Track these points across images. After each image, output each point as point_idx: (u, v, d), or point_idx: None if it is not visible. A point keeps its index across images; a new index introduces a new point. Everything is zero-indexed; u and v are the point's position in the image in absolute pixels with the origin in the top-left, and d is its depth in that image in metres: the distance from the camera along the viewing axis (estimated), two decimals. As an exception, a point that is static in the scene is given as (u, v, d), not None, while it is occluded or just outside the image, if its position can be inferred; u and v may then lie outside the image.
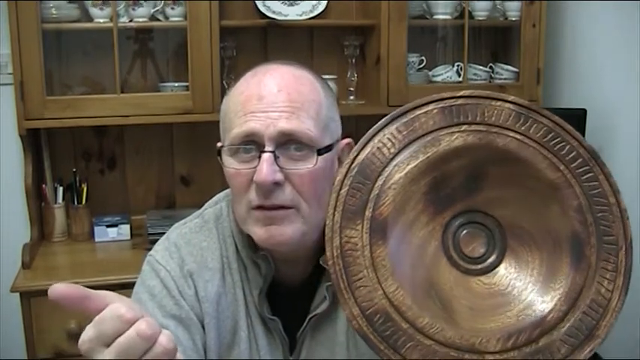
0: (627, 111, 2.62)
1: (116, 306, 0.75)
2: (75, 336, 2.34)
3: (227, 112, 1.16)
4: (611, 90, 2.71)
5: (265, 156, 1.08)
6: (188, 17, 2.59)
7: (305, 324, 1.19)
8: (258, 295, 1.19)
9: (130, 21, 2.62)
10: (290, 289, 1.21)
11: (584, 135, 2.60)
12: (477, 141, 0.87)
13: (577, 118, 2.62)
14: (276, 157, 1.09)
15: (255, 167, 1.09)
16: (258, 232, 1.13)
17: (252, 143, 1.10)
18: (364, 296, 0.85)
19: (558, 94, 3.01)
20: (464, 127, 0.88)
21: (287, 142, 1.10)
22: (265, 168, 1.07)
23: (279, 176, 1.09)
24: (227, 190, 1.29)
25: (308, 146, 1.10)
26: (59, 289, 0.76)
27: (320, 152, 1.11)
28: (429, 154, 0.87)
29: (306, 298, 1.19)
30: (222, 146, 1.16)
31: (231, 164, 1.13)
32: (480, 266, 0.90)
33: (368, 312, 0.85)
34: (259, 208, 1.11)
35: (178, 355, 1.12)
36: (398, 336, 0.85)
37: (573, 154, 0.88)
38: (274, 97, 1.11)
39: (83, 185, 2.74)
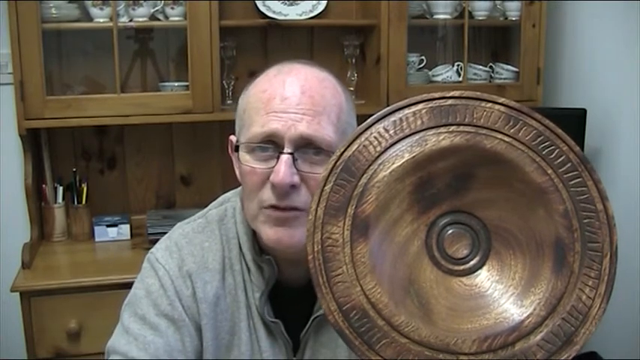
0: (627, 111, 2.61)
1: None
2: (75, 336, 2.35)
3: (246, 108, 1.15)
4: (611, 90, 2.70)
5: (284, 157, 1.08)
6: (188, 17, 2.59)
7: (308, 325, 1.19)
8: (259, 298, 1.19)
9: (130, 21, 2.63)
10: (294, 291, 1.21)
11: (583, 135, 2.60)
12: (465, 142, 0.87)
13: (577, 118, 2.61)
14: (294, 160, 1.09)
15: (272, 167, 1.09)
16: (267, 232, 1.13)
17: (271, 143, 1.10)
18: (342, 292, 0.86)
19: (558, 94, 3.00)
20: (452, 128, 0.87)
21: (306, 145, 1.09)
22: (283, 170, 1.07)
23: (296, 179, 1.09)
24: (233, 191, 1.30)
25: (326, 151, 1.09)
26: None
27: None
28: (415, 154, 0.86)
29: (309, 299, 1.18)
30: (238, 141, 1.16)
31: (247, 161, 1.13)
32: (462, 267, 0.90)
33: (345, 307, 0.85)
34: (272, 207, 1.11)
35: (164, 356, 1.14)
36: (373, 333, 0.85)
37: (562, 158, 0.87)
38: (297, 98, 1.10)
39: (83, 185, 2.75)
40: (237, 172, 1.19)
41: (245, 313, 1.21)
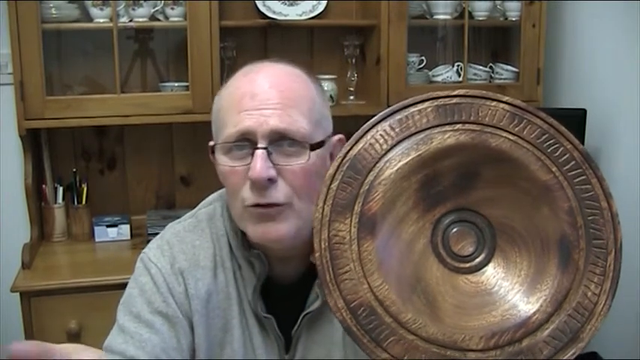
0: (627, 111, 2.61)
1: None
2: (75, 336, 2.35)
3: (219, 110, 1.17)
4: (611, 90, 2.71)
5: (258, 152, 1.09)
6: (188, 17, 2.59)
7: (299, 322, 1.20)
8: (252, 293, 1.20)
9: (130, 21, 2.63)
10: (284, 288, 1.22)
11: (583, 135, 2.60)
12: (470, 140, 0.87)
13: (577, 118, 2.62)
14: (269, 154, 1.10)
15: (249, 164, 1.10)
16: (253, 230, 1.14)
17: (246, 141, 1.11)
18: (349, 289, 0.86)
19: (558, 94, 3.01)
20: (457, 126, 0.88)
21: (280, 138, 1.11)
22: (259, 164, 1.08)
23: (272, 172, 1.10)
24: (221, 191, 1.30)
25: (300, 142, 1.11)
26: (18, 347, 0.63)
27: (312, 148, 1.12)
28: (421, 152, 0.87)
29: (300, 296, 1.20)
30: (214, 144, 1.17)
31: (225, 162, 1.14)
32: (468, 265, 0.90)
33: (352, 305, 0.86)
34: (254, 205, 1.12)
35: (161, 355, 1.15)
36: (381, 330, 0.85)
37: (566, 156, 0.88)
38: (267, 94, 1.12)
39: (83, 185, 2.75)
40: (220, 177, 1.20)
41: (237, 310, 1.21)
